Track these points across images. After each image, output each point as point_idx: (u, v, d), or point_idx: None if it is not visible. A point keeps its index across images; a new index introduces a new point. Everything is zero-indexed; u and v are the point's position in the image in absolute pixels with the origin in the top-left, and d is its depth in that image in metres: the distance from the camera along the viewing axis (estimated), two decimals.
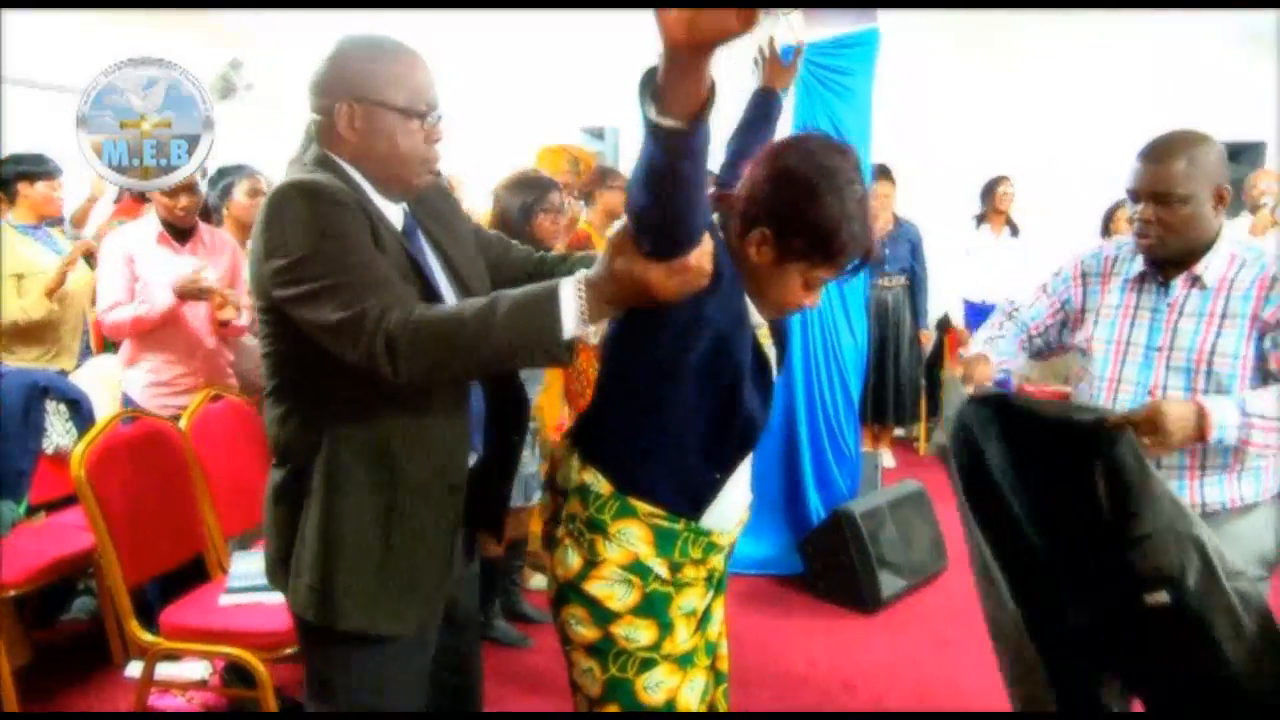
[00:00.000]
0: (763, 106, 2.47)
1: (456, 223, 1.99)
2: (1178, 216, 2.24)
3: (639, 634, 1.76)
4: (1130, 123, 6.99)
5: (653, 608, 1.76)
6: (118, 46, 6.22)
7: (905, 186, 6.50)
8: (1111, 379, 2.40)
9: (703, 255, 1.54)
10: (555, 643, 3.82)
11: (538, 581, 4.34)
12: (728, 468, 1.80)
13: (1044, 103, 7.16)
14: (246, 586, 2.93)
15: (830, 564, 4.32)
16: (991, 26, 6.45)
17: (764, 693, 3.50)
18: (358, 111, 1.72)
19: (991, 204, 6.40)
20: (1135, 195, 2.33)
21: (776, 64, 2.57)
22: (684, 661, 1.81)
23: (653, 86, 1.32)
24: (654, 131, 1.34)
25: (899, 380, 6.61)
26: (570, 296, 1.55)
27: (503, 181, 3.78)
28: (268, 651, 2.78)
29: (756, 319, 1.80)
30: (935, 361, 7.12)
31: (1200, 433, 2.07)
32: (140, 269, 3.50)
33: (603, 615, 1.76)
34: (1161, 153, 2.29)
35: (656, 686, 1.78)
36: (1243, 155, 6.81)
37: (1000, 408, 2.34)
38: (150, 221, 3.58)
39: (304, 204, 1.62)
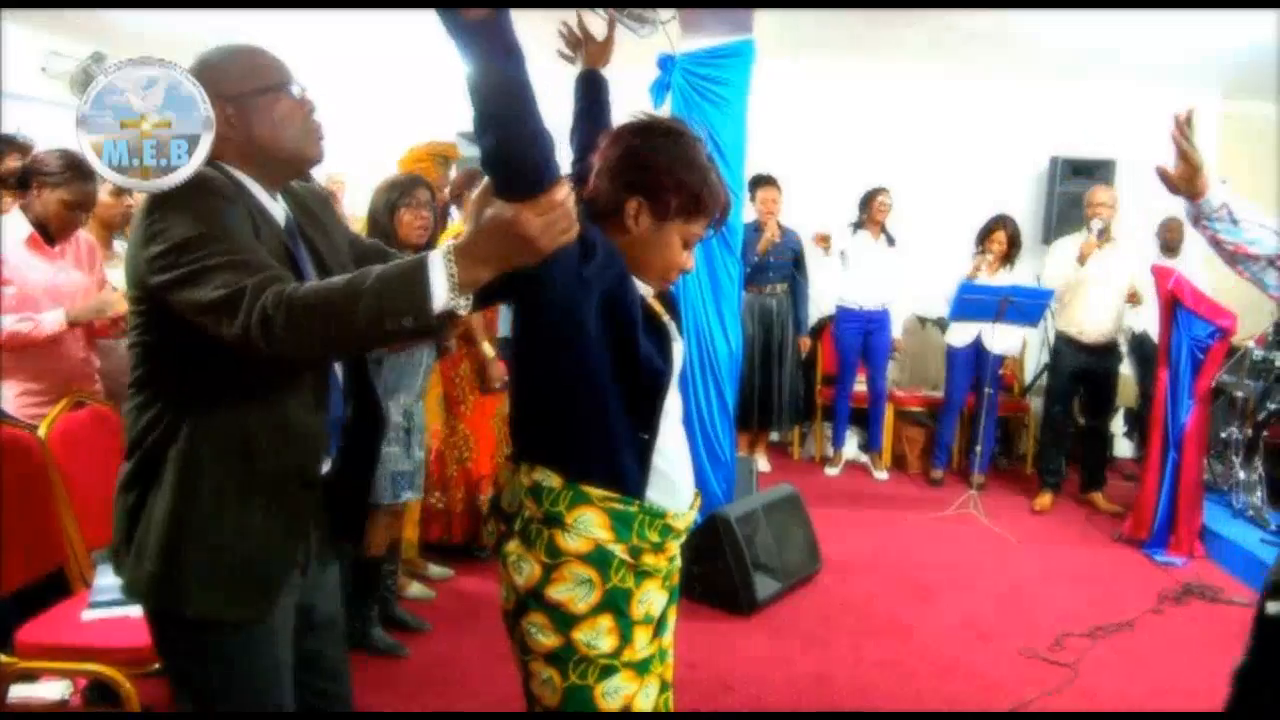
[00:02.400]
0: (593, 90, 2.56)
1: (333, 230, 2.02)
2: None
3: (601, 641, 1.78)
4: (994, 138, 7.35)
5: (614, 603, 1.79)
6: None
7: (785, 195, 6.64)
8: None
9: (567, 194, 1.54)
10: (431, 650, 3.84)
11: (415, 590, 4.30)
12: (649, 422, 1.83)
13: (918, 116, 7.39)
14: (112, 600, 2.81)
15: (707, 568, 4.37)
16: (864, 41, 6.63)
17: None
18: (230, 108, 1.74)
19: (869, 213, 6.56)
20: None
21: (592, 43, 2.68)
22: (641, 669, 1.85)
23: (447, 16, 1.40)
24: (462, 37, 1.41)
25: (782, 386, 6.74)
26: (439, 263, 1.53)
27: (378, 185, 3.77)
28: (135, 667, 2.67)
29: (643, 289, 1.88)
30: (809, 368, 7.26)
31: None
32: (11, 274, 3.28)
33: (564, 620, 1.78)
34: None
35: (615, 693, 1.80)
36: (1096, 172, 7.16)
37: None
38: (17, 222, 3.37)
39: (186, 193, 1.62)
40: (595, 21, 2.77)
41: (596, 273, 1.70)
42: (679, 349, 1.93)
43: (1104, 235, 5.84)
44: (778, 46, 6.05)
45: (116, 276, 3.67)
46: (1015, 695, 3.64)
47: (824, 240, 6.63)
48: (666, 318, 1.93)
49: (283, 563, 1.85)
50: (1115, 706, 3.61)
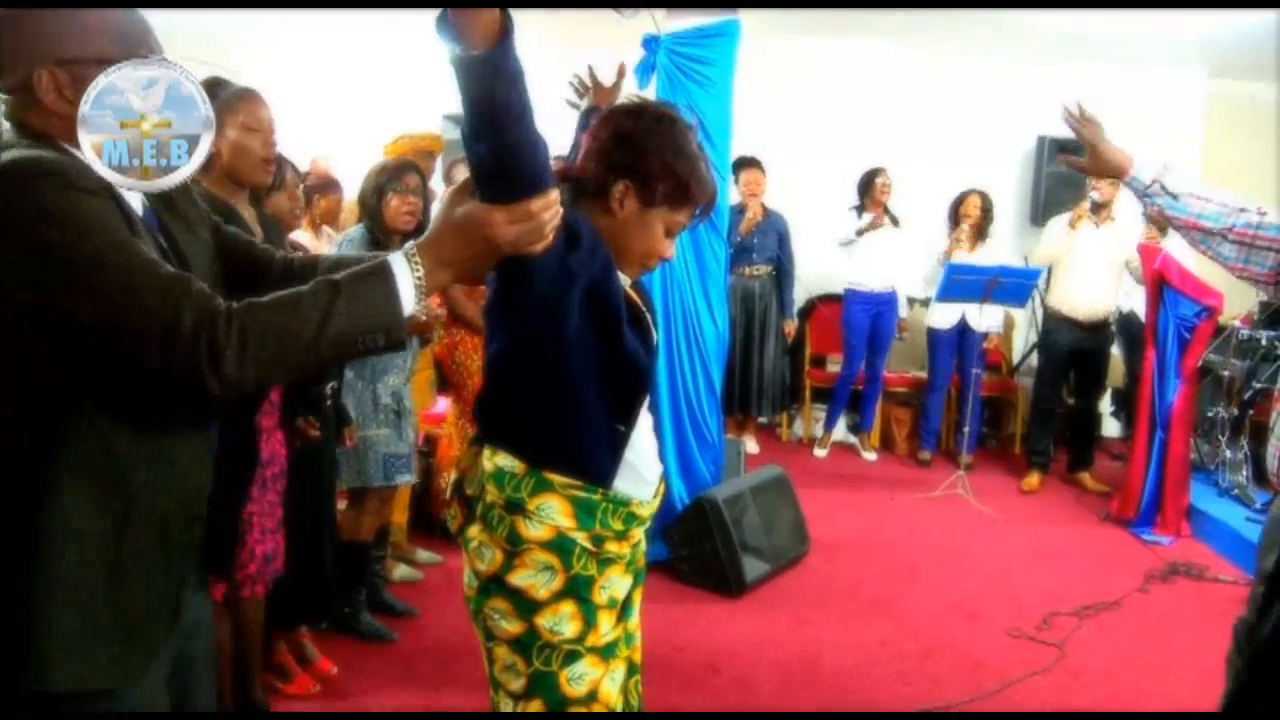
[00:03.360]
0: None
1: (193, 216, 1.68)
2: None
3: (564, 626, 1.76)
4: (981, 117, 7.34)
5: (576, 591, 1.77)
6: None
7: (771, 177, 6.63)
8: None
9: (546, 205, 1.49)
10: (420, 635, 3.83)
11: (402, 573, 4.29)
12: (628, 416, 1.83)
13: (904, 96, 7.38)
14: None
15: (694, 549, 4.37)
16: (850, 21, 6.61)
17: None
18: (63, 77, 1.42)
19: (871, 195, 6.54)
20: None
21: (600, 87, 2.81)
22: (606, 653, 1.83)
23: (450, 28, 1.33)
24: (462, 65, 1.36)
25: (763, 371, 6.73)
26: (404, 268, 1.42)
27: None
28: None
29: (622, 279, 1.85)
30: (797, 350, 7.26)
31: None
32: None
33: (526, 606, 1.76)
34: None
35: (580, 679, 1.78)
36: (1083, 152, 7.13)
37: None
38: None
39: (44, 188, 1.33)
40: (604, 69, 2.88)
41: (581, 263, 1.68)
42: (655, 336, 1.93)
43: (1101, 210, 5.83)
44: (763, 26, 6.03)
45: None
46: (1002, 675, 3.65)
47: (879, 223, 6.55)
48: (644, 308, 1.91)
49: (164, 616, 1.56)
50: (1102, 685, 3.63)
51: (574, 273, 1.66)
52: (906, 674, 3.66)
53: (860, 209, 6.61)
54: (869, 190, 6.55)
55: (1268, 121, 7.24)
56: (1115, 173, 2.60)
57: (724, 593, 4.28)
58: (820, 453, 6.90)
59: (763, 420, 7.35)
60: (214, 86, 2.54)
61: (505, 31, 1.34)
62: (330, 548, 3.39)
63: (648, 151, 1.76)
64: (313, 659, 3.46)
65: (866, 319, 6.69)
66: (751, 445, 6.70)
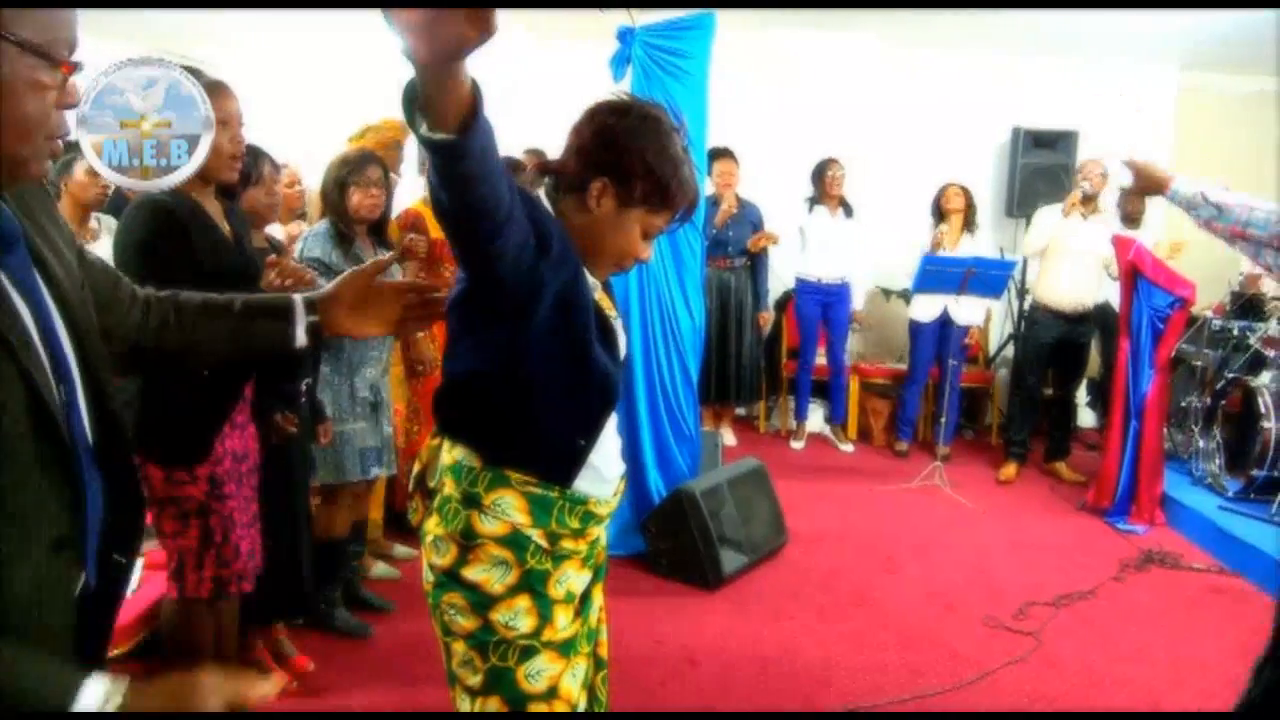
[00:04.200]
0: None
1: (59, 238, 1.33)
2: None
3: (519, 621, 1.74)
4: (956, 110, 7.36)
5: (531, 585, 1.75)
6: None
7: (747, 169, 6.62)
8: None
9: (265, 693, 1.18)
10: (397, 631, 3.81)
11: (380, 570, 4.27)
12: (592, 430, 1.80)
13: (880, 87, 7.38)
14: None
15: (672, 543, 4.36)
16: (826, 12, 6.61)
17: (609, 671, 3.52)
18: None
19: (822, 187, 6.55)
20: None
21: None
22: (565, 649, 1.80)
23: (418, 101, 1.29)
24: (430, 145, 1.31)
25: (740, 361, 6.73)
26: (94, 699, 1.06)
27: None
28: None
29: (591, 280, 1.82)
30: (774, 341, 7.27)
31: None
32: None
33: (482, 601, 1.74)
34: None
35: (538, 675, 1.76)
36: (1058, 143, 7.21)
37: None
38: None
39: None
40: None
41: (551, 269, 1.64)
42: (623, 343, 1.90)
43: (1090, 202, 5.83)
44: (739, 19, 6.02)
45: (104, 253, 3.62)
46: (980, 664, 3.67)
47: (768, 239, 6.57)
48: (613, 313, 1.89)
49: None
50: (1078, 674, 3.65)
51: (543, 279, 1.63)
52: (884, 665, 3.67)
53: (814, 200, 6.63)
54: (820, 181, 6.57)
55: (1239, 114, 7.30)
56: (1156, 188, 2.73)
57: (702, 585, 4.28)
58: (796, 445, 6.91)
59: (740, 412, 7.36)
60: None
61: (475, 113, 1.30)
62: (306, 544, 3.37)
63: (629, 150, 1.72)
64: (289, 655, 3.44)
65: (817, 308, 6.73)
66: (729, 437, 6.71)
